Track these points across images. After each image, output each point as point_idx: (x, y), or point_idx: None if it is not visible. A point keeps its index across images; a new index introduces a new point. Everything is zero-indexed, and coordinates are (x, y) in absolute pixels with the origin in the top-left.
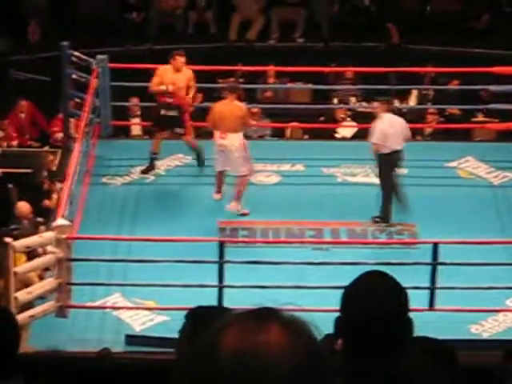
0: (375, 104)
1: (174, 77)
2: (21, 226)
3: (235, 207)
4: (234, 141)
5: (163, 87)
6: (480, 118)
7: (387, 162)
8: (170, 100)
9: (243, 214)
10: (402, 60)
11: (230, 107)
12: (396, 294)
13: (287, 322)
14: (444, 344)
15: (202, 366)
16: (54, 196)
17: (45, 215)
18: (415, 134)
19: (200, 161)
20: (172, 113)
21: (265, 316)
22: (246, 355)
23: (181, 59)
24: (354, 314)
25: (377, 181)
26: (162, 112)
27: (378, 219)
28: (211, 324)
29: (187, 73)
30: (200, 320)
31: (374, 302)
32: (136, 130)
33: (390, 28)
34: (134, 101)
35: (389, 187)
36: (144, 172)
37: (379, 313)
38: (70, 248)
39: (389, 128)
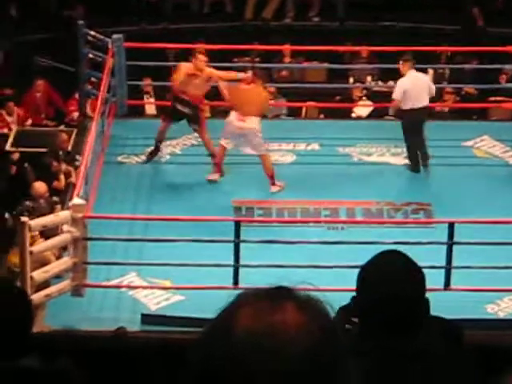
0: (399, 63)
1: (196, 76)
2: (37, 204)
3: (274, 190)
4: (254, 123)
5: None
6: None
7: (408, 119)
8: (186, 97)
9: (282, 188)
10: (419, 39)
11: (254, 92)
12: (413, 275)
13: (302, 302)
14: (452, 323)
15: (216, 345)
16: (62, 177)
17: (56, 196)
18: (432, 112)
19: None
20: (187, 110)
21: (280, 295)
22: (261, 335)
23: (203, 58)
24: (371, 294)
25: (392, 160)
26: (178, 107)
27: (408, 167)
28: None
29: (209, 73)
30: None
31: (391, 282)
32: (151, 109)
33: (474, 12)
34: (148, 81)
35: (412, 142)
36: (148, 158)
37: (396, 293)
38: (86, 227)
39: (410, 85)
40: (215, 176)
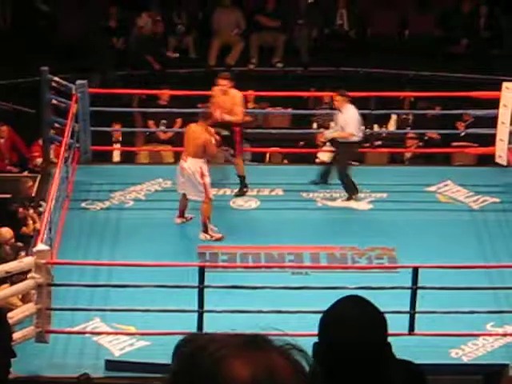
0: (336, 97)
1: (220, 99)
2: (1, 251)
3: (204, 237)
4: (193, 165)
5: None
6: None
7: (354, 150)
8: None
9: (217, 240)
10: (381, 84)
11: (194, 132)
12: (373, 320)
13: (283, 348)
14: (416, 367)
15: None
16: (30, 222)
17: (24, 241)
18: (395, 158)
19: (241, 188)
20: (225, 132)
21: (262, 343)
22: (263, 380)
23: (222, 82)
24: (331, 340)
25: (356, 205)
26: (222, 132)
27: (349, 197)
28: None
29: (234, 95)
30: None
31: (351, 327)
32: (117, 156)
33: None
34: (116, 127)
35: (348, 171)
36: (238, 195)
37: (356, 338)
38: (50, 273)
39: (358, 116)
40: (178, 220)
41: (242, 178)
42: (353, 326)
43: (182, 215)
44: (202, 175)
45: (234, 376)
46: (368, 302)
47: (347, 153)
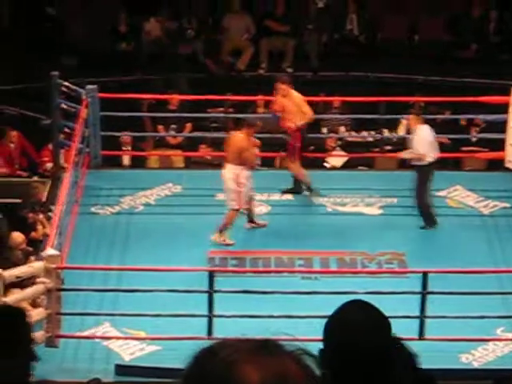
0: (410, 118)
1: (284, 102)
2: (12, 255)
3: (216, 239)
4: (228, 172)
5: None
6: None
7: (430, 171)
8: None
9: (227, 245)
10: (391, 89)
11: (234, 139)
12: (377, 323)
13: (294, 353)
14: (426, 373)
15: None
16: (39, 227)
17: (33, 246)
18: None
19: (309, 190)
20: (284, 136)
21: (273, 349)
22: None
23: (282, 86)
24: (336, 344)
25: (366, 210)
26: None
27: (425, 227)
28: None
29: (294, 98)
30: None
31: (355, 331)
32: (127, 160)
33: None
34: (126, 132)
35: (425, 195)
36: (288, 192)
37: (361, 342)
38: (60, 278)
39: (431, 137)
40: (246, 225)
41: (301, 183)
42: (357, 330)
43: (251, 221)
44: (238, 183)
45: (245, 381)
46: (372, 306)
47: (421, 177)
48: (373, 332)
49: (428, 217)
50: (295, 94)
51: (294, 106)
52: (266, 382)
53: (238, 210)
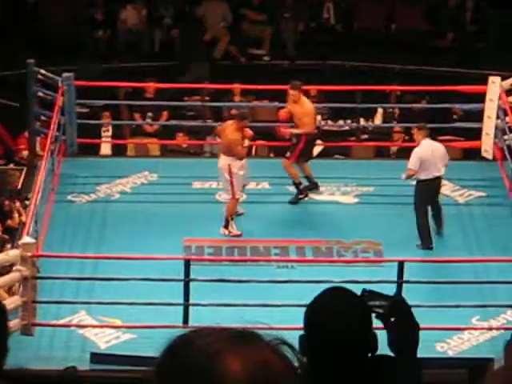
0: (413, 131)
1: (290, 106)
2: None
3: (223, 232)
4: (222, 162)
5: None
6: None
7: (424, 189)
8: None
9: (235, 236)
10: (368, 78)
11: (226, 130)
12: (356, 309)
13: (271, 342)
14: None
15: None
16: (16, 215)
17: (9, 234)
18: (381, 152)
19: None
20: (294, 140)
21: (251, 338)
22: (255, 377)
23: (291, 92)
24: (316, 330)
25: (342, 199)
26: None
27: (420, 246)
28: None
29: (304, 105)
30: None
31: (335, 316)
32: (106, 148)
33: None
34: (106, 114)
35: (423, 217)
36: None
37: (339, 328)
38: (36, 266)
39: (426, 154)
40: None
41: (309, 178)
42: (335, 316)
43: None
44: (230, 172)
45: (227, 371)
46: (351, 292)
47: (416, 195)
48: (351, 317)
49: (424, 237)
50: (306, 101)
51: (300, 113)
52: (247, 371)
53: (235, 199)
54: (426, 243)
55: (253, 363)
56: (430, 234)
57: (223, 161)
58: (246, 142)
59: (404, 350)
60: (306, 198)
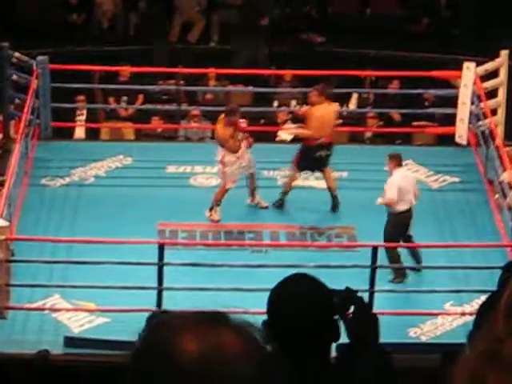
0: (387, 160)
1: (307, 109)
2: None
3: (208, 214)
4: (217, 153)
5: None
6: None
7: (400, 222)
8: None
9: (213, 221)
10: (342, 63)
11: (217, 125)
12: (319, 296)
13: (237, 325)
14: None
15: (162, 368)
16: None
17: None
18: (355, 137)
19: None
20: (323, 152)
21: (215, 320)
22: (209, 358)
23: (310, 93)
24: (279, 315)
25: (316, 183)
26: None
27: (395, 280)
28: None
29: (319, 110)
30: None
31: (297, 301)
32: (80, 132)
33: None
34: (81, 98)
35: (393, 249)
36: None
37: (301, 312)
38: (9, 249)
39: (403, 183)
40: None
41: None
42: (297, 301)
43: (250, 193)
44: (222, 162)
45: (182, 350)
46: (314, 278)
47: (391, 225)
48: (313, 303)
49: (396, 269)
50: (326, 109)
51: (313, 117)
52: (202, 352)
53: (225, 188)
54: (400, 276)
55: (210, 344)
56: (402, 266)
57: (218, 152)
58: (240, 136)
59: (364, 339)
60: (280, 183)
